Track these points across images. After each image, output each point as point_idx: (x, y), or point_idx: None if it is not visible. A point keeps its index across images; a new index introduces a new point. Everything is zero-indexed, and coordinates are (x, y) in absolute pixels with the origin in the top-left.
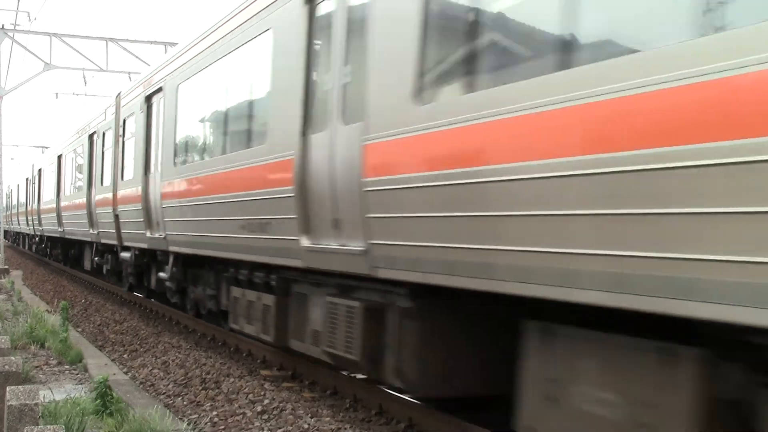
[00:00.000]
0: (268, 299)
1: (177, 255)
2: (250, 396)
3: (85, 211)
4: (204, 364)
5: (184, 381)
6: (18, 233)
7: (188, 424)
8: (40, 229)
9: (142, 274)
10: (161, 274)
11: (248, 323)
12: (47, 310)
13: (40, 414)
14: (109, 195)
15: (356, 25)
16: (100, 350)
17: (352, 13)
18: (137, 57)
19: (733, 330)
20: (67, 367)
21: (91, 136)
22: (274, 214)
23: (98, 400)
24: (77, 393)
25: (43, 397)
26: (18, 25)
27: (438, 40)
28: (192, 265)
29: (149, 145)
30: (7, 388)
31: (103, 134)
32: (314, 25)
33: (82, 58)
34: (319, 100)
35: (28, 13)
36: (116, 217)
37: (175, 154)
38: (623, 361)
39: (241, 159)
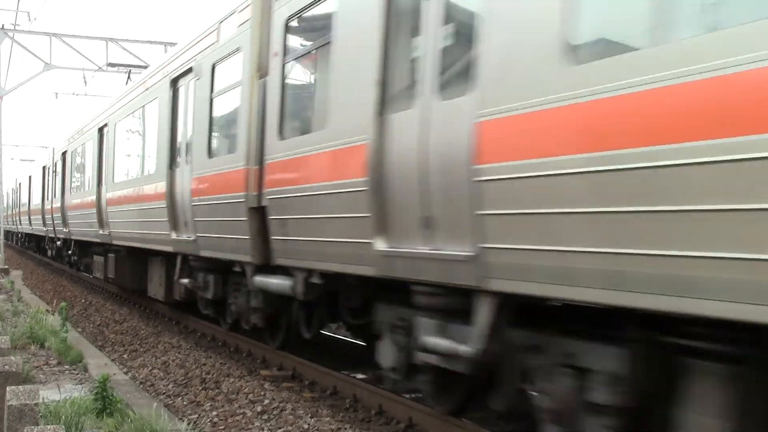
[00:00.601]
0: (102, 258)
1: (75, 241)
2: (250, 396)
3: (39, 216)
4: (204, 364)
5: (184, 381)
6: (8, 231)
7: (188, 424)
8: (21, 227)
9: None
10: (69, 252)
11: (98, 272)
12: (47, 310)
13: (40, 414)
14: (51, 206)
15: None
16: (100, 350)
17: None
18: (137, 57)
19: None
20: (67, 367)
21: (44, 168)
22: (90, 219)
23: (98, 401)
24: (77, 393)
25: (44, 398)
26: (18, 25)
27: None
28: (84, 247)
29: (64, 179)
30: (7, 388)
31: (48, 168)
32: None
33: (82, 58)
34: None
35: (28, 13)
36: (53, 219)
37: (71, 186)
38: (159, 262)
39: (84, 195)
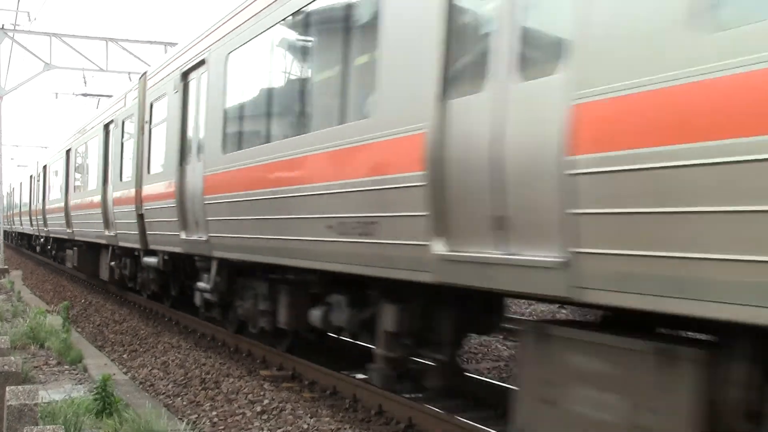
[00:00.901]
0: (72, 252)
1: (54, 238)
2: (250, 396)
3: (28, 218)
4: (204, 364)
5: (184, 381)
6: (5, 231)
7: (188, 424)
8: (14, 227)
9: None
10: (49, 247)
11: (68, 262)
12: (47, 310)
13: (39, 414)
14: (36, 209)
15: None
16: (100, 350)
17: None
18: (137, 57)
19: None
20: (66, 367)
21: (31, 177)
22: (61, 221)
23: (98, 401)
24: (77, 393)
25: (43, 398)
26: (18, 25)
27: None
28: (59, 242)
29: (45, 188)
30: (7, 388)
31: (34, 177)
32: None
33: (82, 58)
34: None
35: (28, 13)
36: (37, 220)
37: (49, 194)
38: (105, 253)
39: (57, 202)
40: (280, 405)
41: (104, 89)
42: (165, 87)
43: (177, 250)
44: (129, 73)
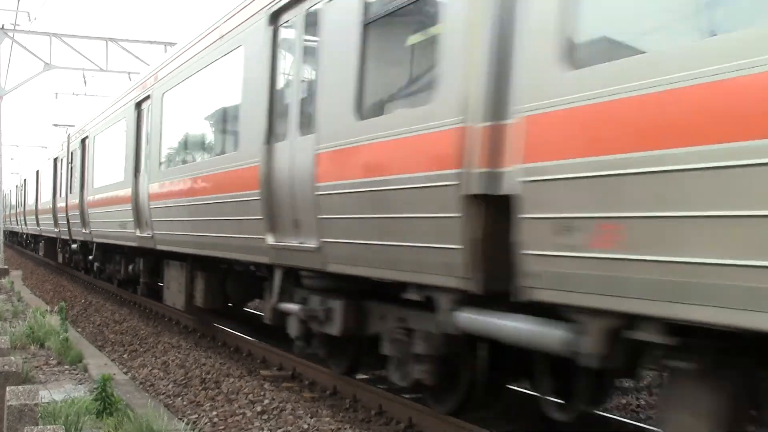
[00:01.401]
0: (41, 244)
1: (31, 234)
2: (250, 396)
3: (15, 218)
4: (204, 364)
5: (184, 381)
6: None
7: (188, 424)
8: (6, 226)
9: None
10: (28, 241)
11: (40, 251)
12: (47, 310)
13: (39, 414)
14: (19, 211)
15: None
16: (100, 350)
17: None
18: (137, 57)
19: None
20: (66, 367)
21: (17, 186)
22: (33, 222)
23: (99, 401)
24: (77, 393)
25: (43, 398)
26: (18, 25)
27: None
28: (35, 236)
29: (25, 196)
30: (7, 388)
31: (18, 186)
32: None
33: (82, 58)
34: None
35: (28, 13)
36: (20, 220)
37: (26, 200)
38: (61, 243)
39: (31, 207)
40: (281, 405)
41: (104, 90)
42: (75, 145)
43: (82, 239)
44: (129, 73)
